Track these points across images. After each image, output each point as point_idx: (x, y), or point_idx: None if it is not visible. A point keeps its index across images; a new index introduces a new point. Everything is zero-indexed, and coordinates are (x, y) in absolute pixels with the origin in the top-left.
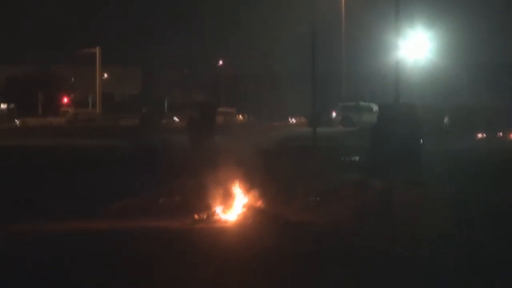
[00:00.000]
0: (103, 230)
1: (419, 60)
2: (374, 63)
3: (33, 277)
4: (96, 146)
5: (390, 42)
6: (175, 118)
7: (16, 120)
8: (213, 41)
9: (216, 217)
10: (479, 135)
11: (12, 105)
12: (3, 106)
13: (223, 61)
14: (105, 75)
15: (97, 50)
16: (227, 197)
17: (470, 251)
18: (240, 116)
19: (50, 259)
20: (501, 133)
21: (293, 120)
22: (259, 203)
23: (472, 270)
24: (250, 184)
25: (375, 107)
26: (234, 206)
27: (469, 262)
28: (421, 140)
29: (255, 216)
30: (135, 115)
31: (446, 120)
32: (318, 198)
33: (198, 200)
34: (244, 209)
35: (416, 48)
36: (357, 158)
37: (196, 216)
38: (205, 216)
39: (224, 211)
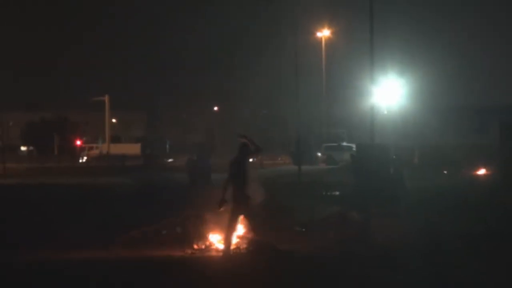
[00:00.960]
0: (109, 259)
1: (392, 104)
2: (351, 107)
3: None
4: (106, 183)
5: (366, 88)
6: (170, 160)
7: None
8: (206, 85)
9: (213, 247)
10: (445, 172)
11: (31, 148)
12: (24, 148)
13: (218, 106)
14: (114, 120)
15: (106, 98)
16: (223, 229)
17: (442, 273)
18: None
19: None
20: (465, 170)
21: (280, 159)
22: (251, 234)
23: None
24: (246, 216)
25: (354, 147)
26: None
27: (442, 282)
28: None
29: (248, 245)
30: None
31: (416, 159)
32: (303, 229)
33: (198, 232)
34: (238, 240)
35: (388, 93)
36: (337, 192)
37: (195, 246)
38: (203, 246)
39: (220, 242)
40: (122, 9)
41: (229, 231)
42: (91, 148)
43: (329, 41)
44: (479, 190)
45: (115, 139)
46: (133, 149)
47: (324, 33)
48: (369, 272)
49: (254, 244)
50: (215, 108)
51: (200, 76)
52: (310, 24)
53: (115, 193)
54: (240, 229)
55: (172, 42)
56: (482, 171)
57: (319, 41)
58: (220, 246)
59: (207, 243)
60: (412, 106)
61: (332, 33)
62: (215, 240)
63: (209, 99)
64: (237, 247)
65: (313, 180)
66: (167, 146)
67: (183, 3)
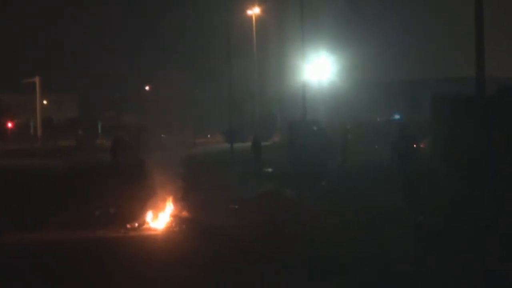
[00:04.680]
0: (43, 241)
1: (323, 81)
2: (283, 85)
3: None
4: (37, 165)
5: (297, 65)
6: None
7: None
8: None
9: (146, 226)
10: (376, 147)
11: None
12: None
13: (150, 86)
14: (45, 102)
15: (37, 79)
16: (156, 208)
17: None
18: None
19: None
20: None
21: (211, 137)
22: (184, 213)
23: (373, 262)
24: (176, 195)
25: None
26: (162, 216)
27: (372, 257)
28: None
29: (181, 224)
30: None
31: (349, 136)
32: (236, 206)
33: (130, 212)
34: (171, 218)
35: (319, 70)
36: (270, 169)
37: (128, 226)
38: (136, 225)
39: (153, 221)
40: None
41: None
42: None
43: (260, 19)
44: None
45: (47, 121)
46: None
47: (254, 11)
48: (296, 250)
49: (188, 222)
50: (147, 88)
51: (133, 56)
52: (241, 2)
53: (48, 175)
54: (173, 207)
55: (103, 20)
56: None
57: (249, 19)
58: (153, 224)
59: (140, 222)
60: (343, 82)
61: (263, 11)
62: (147, 218)
63: (141, 79)
64: (171, 226)
65: (245, 158)
66: (99, 127)
67: None
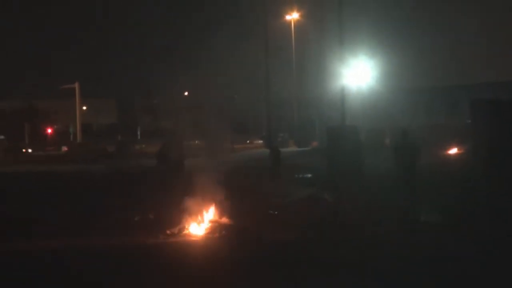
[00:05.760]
0: (84, 247)
1: (362, 86)
2: (321, 90)
3: None
4: (81, 171)
5: (336, 70)
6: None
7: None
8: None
9: (186, 232)
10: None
11: (1, 137)
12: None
13: (188, 92)
14: (84, 107)
15: (76, 85)
16: (195, 214)
17: (406, 252)
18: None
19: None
20: (437, 150)
21: (250, 143)
22: (224, 218)
23: (410, 267)
24: (216, 201)
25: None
26: (202, 222)
27: (406, 260)
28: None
29: (220, 230)
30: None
31: (387, 140)
32: (276, 212)
33: (170, 217)
34: (211, 224)
35: (358, 75)
36: (309, 175)
37: (168, 232)
38: (176, 231)
39: (193, 227)
40: None
41: None
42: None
43: (298, 24)
44: (449, 169)
45: (86, 127)
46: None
47: (293, 16)
48: (339, 253)
49: (227, 228)
50: (185, 93)
51: (170, 62)
52: (279, 8)
53: (88, 180)
54: (213, 213)
55: (140, 27)
56: (454, 150)
57: (288, 24)
58: (192, 230)
59: (180, 227)
60: (382, 87)
61: (301, 15)
62: (187, 224)
63: (181, 85)
64: (211, 232)
65: (286, 163)
66: (138, 132)
67: None
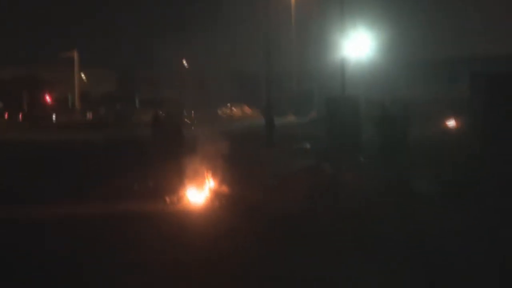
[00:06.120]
0: (84, 214)
1: (362, 58)
2: (321, 62)
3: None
4: (79, 139)
5: (335, 42)
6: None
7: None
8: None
9: (185, 201)
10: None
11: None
12: None
13: (186, 61)
14: (83, 75)
15: (75, 53)
16: (195, 182)
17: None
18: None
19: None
20: (436, 122)
21: (250, 111)
22: (223, 188)
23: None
24: (216, 170)
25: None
26: (201, 191)
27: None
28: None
29: (220, 199)
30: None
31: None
32: (275, 182)
33: (169, 185)
34: (210, 193)
35: (358, 47)
36: (308, 145)
37: (167, 199)
38: (175, 199)
39: (192, 195)
40: None
41: None
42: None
43: None
44: (448, 142)
45: (85, 95)
46: None
47: None
48: (338, 226)
49: (227, 198)
50: (184, 62)
51: (168, 35)
52: None
53: (88, 149)
54: (212, 181)
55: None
56: (452, 123)
57: None
58: (192, 198)
59: (178, 196)
60: (381, 59)
61: None
62: (187, 193)
63: (179, 57)
64: (211, 201)
65: (284, 133)
66: (136, 101)
67: None
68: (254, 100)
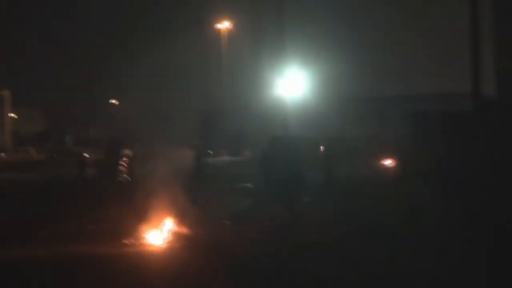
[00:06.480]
0: (35, 257)
1: (296, 97)
2: (257, 100)
3: None
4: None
5: (271, 81)
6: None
7: None
8: (103, 79)
9: (141, 242)
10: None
11: None
12: None
13: (117, 99)
14: (13, 115)
15: (6, 92)
16: (150, 223)
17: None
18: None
19: None
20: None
21: (181, 150)
22: (177, 228)
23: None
24: (166, 210)
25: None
26: (157, 232)
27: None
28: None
29: (177, 240)
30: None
31: (321, 149)
32: (228, 222)
33: (124, 227)
34: (167, 234)
35: (293, 85)
36: (250, 184)
37: (125, 241)
38: (132, 241)
39: (149, 236)
40: None
41: None
42: None
43: (232, 33)
44: (384, 181)
45: (15, 135)
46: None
47: (224, 25)
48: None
49: (184, 238)
50: (114, 101)
51: (99, 71)
52: (213, 16)
53: (28, 189)
54: (168, 222)
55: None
56: (387, 162)
57: (221, 33)
58: (147, 240)
59: (134, 237)
60: (316, 97)
61: (235, 25)
62: (144, 234)
63: (108, 94)
64: (169, 241)
65: (221, 172)
66: (68, 140)
67: None
68: (186, 138)
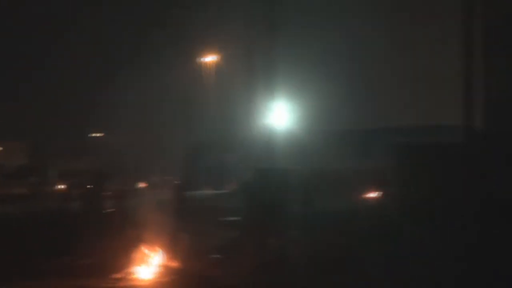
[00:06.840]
0: None
1: (279, 128)
2: (240, 131)
3: None
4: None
5: (256, 112)
6: (61, 186)
7: None
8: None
9: (131, 276)
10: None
11: None
12: None
13: (103, 132)
14: None
15: None
16: (139, 257)
17: None
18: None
19: None
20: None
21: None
22: (169, 262)
23: None
24: (153, 243)
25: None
26: (146, 265)
27: None
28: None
29: (167, 273)
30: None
31: (306, 183)
32: (219, 256)
33: (112, 261)
34: (157, 268)
35: (279, 117)
36: (236, 218)
37: (114, 276)
38: (122, 276)
39: (138, 271)
40: None
41: None
42: None
43: (219, 66)
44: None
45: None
46: None
47: (209, 59)
48: None
49: (176, 272)
50: (99, 134)
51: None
52: (199, 49)
53: (10, 223)
54: (159, 256)
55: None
56: (374, 194)
57: (206, 65)
58: (138, 275)
59: (124, 272)
60: (299, 130)
61: (222, 58)
62: (133, 269)
63: (92, 125)
64: (159, 276)
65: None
66: (51, 172)
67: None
68: (171, 169)
